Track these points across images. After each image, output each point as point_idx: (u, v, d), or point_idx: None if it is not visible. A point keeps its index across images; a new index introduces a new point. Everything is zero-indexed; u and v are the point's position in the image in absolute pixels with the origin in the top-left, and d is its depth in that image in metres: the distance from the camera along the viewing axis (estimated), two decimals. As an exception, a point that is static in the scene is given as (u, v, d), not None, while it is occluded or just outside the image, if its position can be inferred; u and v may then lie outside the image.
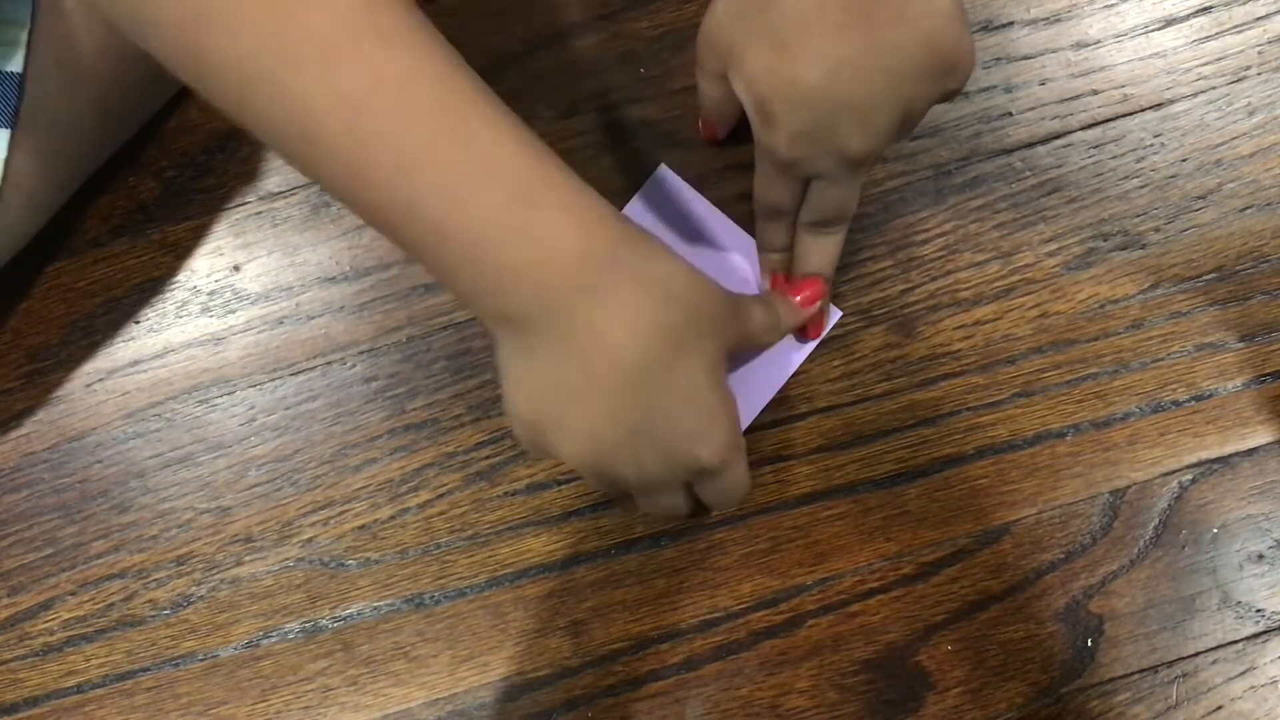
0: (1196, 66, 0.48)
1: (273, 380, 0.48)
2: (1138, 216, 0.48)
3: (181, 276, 0.49)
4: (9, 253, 0.44)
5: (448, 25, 0.32)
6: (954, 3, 0.34)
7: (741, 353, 0.46)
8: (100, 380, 0.48)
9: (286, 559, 0.47)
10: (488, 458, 0.47)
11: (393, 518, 0.47)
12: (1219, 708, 0.46)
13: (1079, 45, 0.48)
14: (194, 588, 0.47)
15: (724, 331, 0.36)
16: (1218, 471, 0.47)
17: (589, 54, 0.49)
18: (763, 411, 0.47)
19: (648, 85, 0.48)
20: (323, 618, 0.47)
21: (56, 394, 0.48)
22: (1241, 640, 0.46)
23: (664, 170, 0.48)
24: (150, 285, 0.48)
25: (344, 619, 0.47)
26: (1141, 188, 0.48)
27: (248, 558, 0.47)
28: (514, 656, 0.47)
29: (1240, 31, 0.48)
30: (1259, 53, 0.48)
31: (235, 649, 0.47)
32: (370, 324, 0.48)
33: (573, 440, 0.35)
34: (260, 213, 0.49)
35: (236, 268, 0.48)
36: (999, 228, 0.48)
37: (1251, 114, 0.48)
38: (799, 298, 0.44)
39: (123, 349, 0.48)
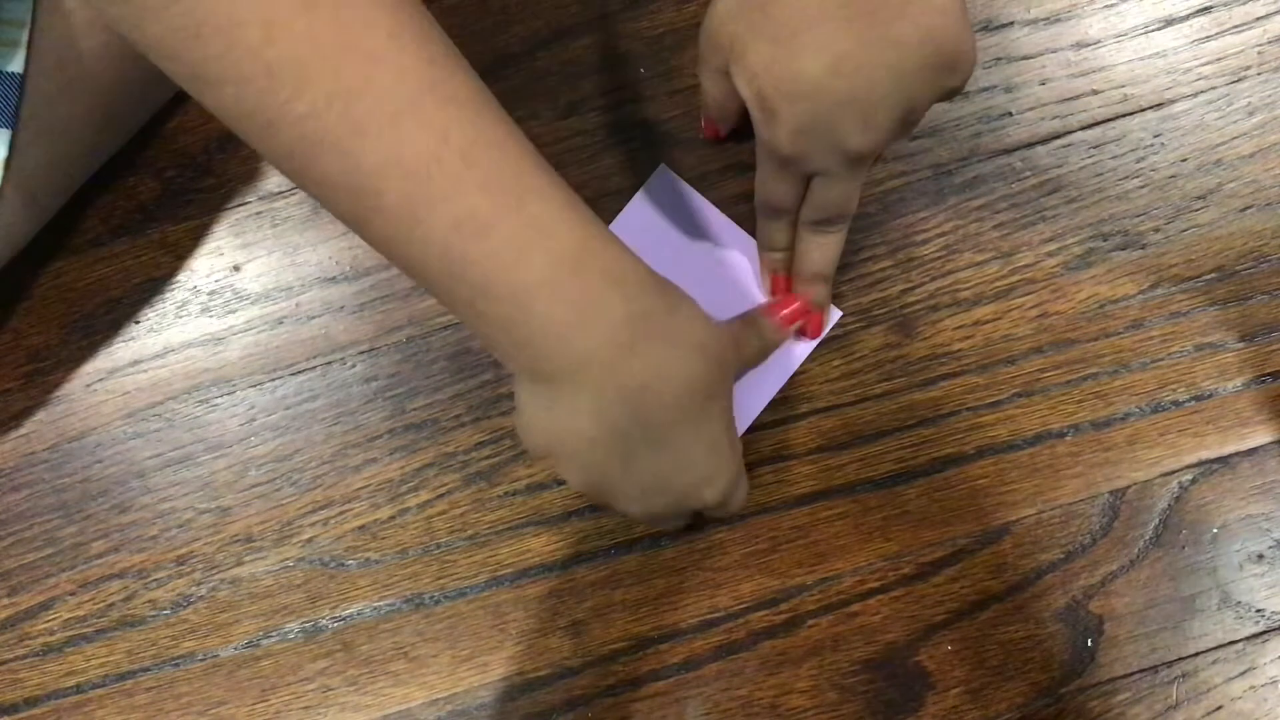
0: (1196, 66, 0.48)
1: (273, 380, 0.48)
2: (1138, 216, 0.48)
3: (181, 276, 0.49)
4: (9, 253, 0.44)
5: (449, 25, 0.32)
6: (956, 1, 0.34)
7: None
8: (100, 380, 0.48)
9: (286, 559, 0.47)
10: (488, 458, 0.47)
11: (393, 518, 0.47)
12: (1219, 708, 0.46)
13: (1079, 45, 0.48)
14: (194, 588, 0.47)
15: (733, 371, 0.38)
16: (1218, 471, 0.47)
17: (589, 54, 0.49)
18: (763, 411, 0.47)
19: (648, 85, 0.48)
20: (323, 618, 0.47)
21: (56, 394, 0.48)
22: (1241, 640, 0.46)
23: (664, 170, 0.48)
24: (150, 285, 0.48)
25: (344, 619, 0.47)
26: (1141, 188, 0.48)
27: (248, 558, 0.47)
28: (514, 656, 0.47)
29: (1240, 31, 0.48)
30: (1259, 53, 0.48)
31: (235, 649, 0.47)
32: (370, 324, 0.48)
33: (581, 477, 0.36)
34: (260, 213, 0.49)
35: (236, 268, 0.48)
36: (999, 228, 0.48)
37: (1251, 114, 0.48)
38: (780, 316, 0.45)
39: (123, 349, 0.48)
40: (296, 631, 0.47)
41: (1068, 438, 0.47)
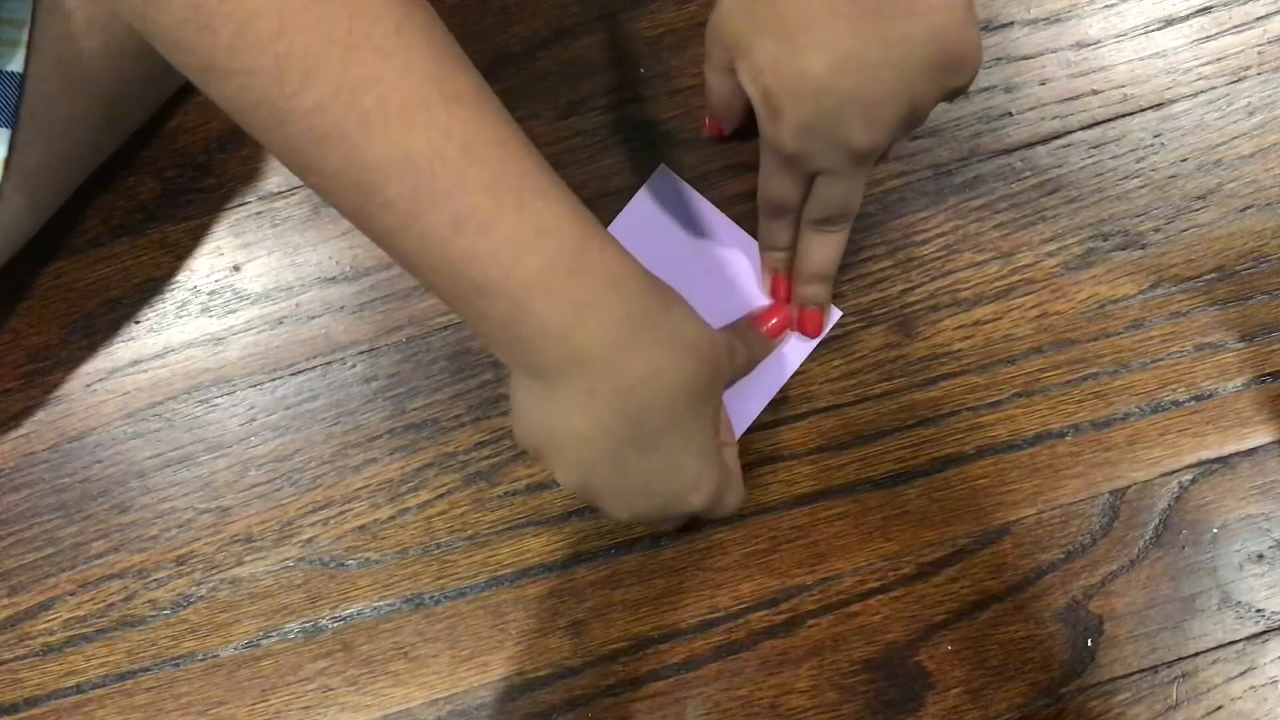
0: (1196, 66, 0.48)
1: (273, 380, 0.48)
2: (1138, 216, 0.48)
3: (181, 276, 0.49)
4: (9, 253, 0.44)
5: (450, 25, 0.32)
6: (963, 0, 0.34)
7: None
8: (100, 380, 0.48)
9: (286, 559, 0.47)
10: (488, 458, 0.47)
11: (393, 518, 0.47)
12: (1219, 708, 0.46)
13: (1079, 45, 0.48)
14: (194, 588, 0.47)
15: (724, 377, 0.38)
16: (1218, 471, 0.47)
17: (589, 54, 0.49)
18: (763, 411, 0.47)
19: (648, 85, 0.48)
20: (323, 618, 0.47)
21: (56, 394, 0.48)
22: (1241, 640, 0.46)
23: (664, 170, 0.48)
24: (150, 285, 0.48)
25: (344, 619, 0.47)
26: (1141, 188, 0.48)
27: (248, 558, 0.47)
28: (514, 656, 0.47)
29: (1240, 31, 0.48)
30: (1259, 53, 0.48)
31: (235, 649, 0.47)
32: (370, 324, 0.48)
33: (570, 475, 0.37)
34: (260, 213, 0.49)
35: (236, 268, 0.48)
36: (999, 228, 0.48)
37: (1251, 114, 0.48)
38: (767, 326, 0.46)
39: (123, 349, 0.48)
40: (296, 631, 0.47)
41: (1068, 438, 0.47)
